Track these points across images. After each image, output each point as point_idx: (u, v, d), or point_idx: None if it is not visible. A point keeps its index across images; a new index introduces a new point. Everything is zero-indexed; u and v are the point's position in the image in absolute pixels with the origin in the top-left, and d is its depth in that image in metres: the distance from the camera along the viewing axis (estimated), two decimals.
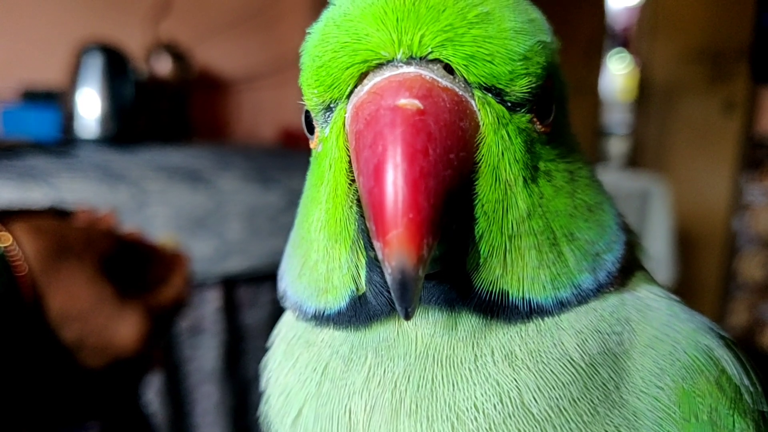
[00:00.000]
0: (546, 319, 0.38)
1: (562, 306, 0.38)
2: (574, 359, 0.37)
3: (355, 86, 0.36)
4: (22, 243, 0.64)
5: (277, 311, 0.57)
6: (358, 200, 0.36)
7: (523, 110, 0.37)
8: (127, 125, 2.13)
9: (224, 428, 1.54)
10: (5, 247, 0.63)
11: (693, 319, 0.41)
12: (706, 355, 0.38)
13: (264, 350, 0.49)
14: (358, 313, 0.38)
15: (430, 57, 0.34)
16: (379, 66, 0.35)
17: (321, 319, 0.41)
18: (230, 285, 1.59)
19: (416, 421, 0.36)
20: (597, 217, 0.42)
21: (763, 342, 3.64)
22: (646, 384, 0.37)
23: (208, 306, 1.54)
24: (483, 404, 0.36)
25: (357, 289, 0.38)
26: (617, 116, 4.74)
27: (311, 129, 0.41)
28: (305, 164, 0.45)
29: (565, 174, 0.40)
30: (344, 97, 0.36)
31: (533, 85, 0.36)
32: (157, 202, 1.48)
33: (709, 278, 3.86)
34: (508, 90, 0.36)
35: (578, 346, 0.37)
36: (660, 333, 0.39)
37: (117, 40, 2.14)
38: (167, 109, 2.40)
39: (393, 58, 0.34)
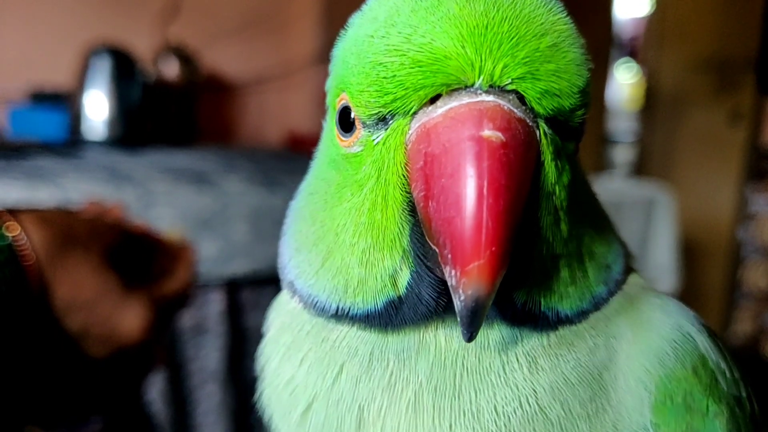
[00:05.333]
0: (565, 327, 0.40)
1: (582, 315, 0.40)
2: (585, 364, 0.39)
3: (423, 105, 0.35)
4: (29, 233, 0.65)
5: None
6: (411, 213, 0.36)
7: (573, 138, 0.38)
8: (134, 127, 2.14)
9: (226, 428, 1.54)
10: (13, 236, 0.63)
11: (679, 310, 0.44)
12: (686, 342, 0.40)
13: None
14: (391, 317, 0.39)
15: (508, 87, 0.34)
16: (454, 90, 0.34)
17: (343, 317, 0.41)
18: (234, 287, 1.59)
19: (438, 424, 0.38)
20: (605, 232, 0.45)
21: (767, 350, 3.63)
22: (633, 373, 0.39)
23: (212, 307, 1.55)
24: (504, 408, 0.37)
25: (394, 294, 0.38)
26: (624, 124, 4.73)
27: (347, 127, 0.40)
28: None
29: (586, 194, 0.43)
30: (409, 113, 0.36)
31: (585, 115, 0.38)
32: (163, 203, 1.49)
33: (714, 287, 3.85)
34: (569, 122, 0.37)
35: (589, 351, 0.39)
36: (648, 327, 0.41)
37: (125, 43, 2.15)
38: (174, 111, 2.41)
39: (472, 84, 0.34)
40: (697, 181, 3.84)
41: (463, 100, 0.34)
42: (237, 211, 1.57)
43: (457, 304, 0.32)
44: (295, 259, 0.46)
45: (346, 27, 0.42)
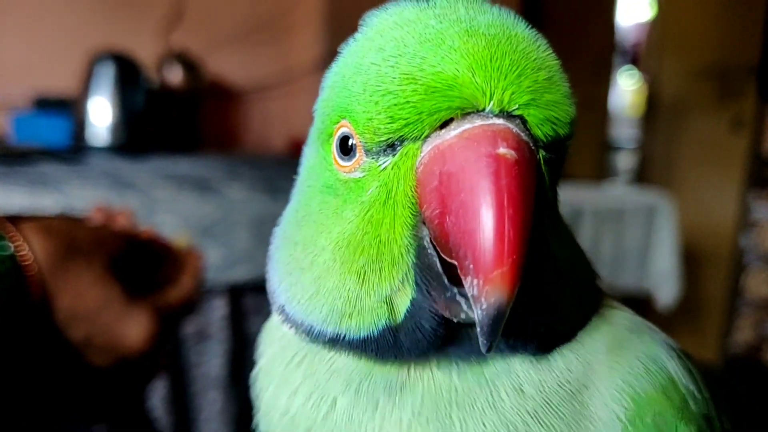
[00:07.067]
0: (552, 351, 0.41)
1: (571, 335, 0.42)
2: (566, 385, 0.40)
3: (434, 129, 0.37)
4: (31, 243, 0.64)
5: None
6: (416, 233, 0.38)
7: (559, 166, 0.41)
8: (137, 134, 2.14)
9: None
10: (15, 246, 0.63)
11: (649, 333, 0.45)
12: (656, 365, 0.42)
13: None
14: (387, 346, 0.40)
15: (515, 113, 0.36)
16: (466, 114, 0.36)
17: (337, 342, 0.42)
18: (236, 293, 1.60)
19: None
20: (580, 251, 0.47)
21: None
22: (609, 397, 0.40)
23: (215, 313, 1.55)
24: None
25: (392, 320, 0.39)
26: (625, 131, 4.74)
27: (345, 152, 0.41)
28: None
29: (560, 216, 0.45)
30: (421, 137, 0.37)
31: (570, 147, 0.40)
32: (166, 210, 1.49)
33: (716, 295, 3.84)
34: (563, 150, 0.40)
35: (569, 372, 0.41)
36: (621, 349, 0.43)
37: (129, 50, 2.16)
38: (177, 118, 2.41)
39: (483, 108, 0.36)
40: (698, 188, 3.84)
41: (476, 122, 0.36)
42: (240, 218, 1.58)
43: (478, 314, 0.33)
44: (286, 282, 0.46)
45: (339, 55, 0.43)
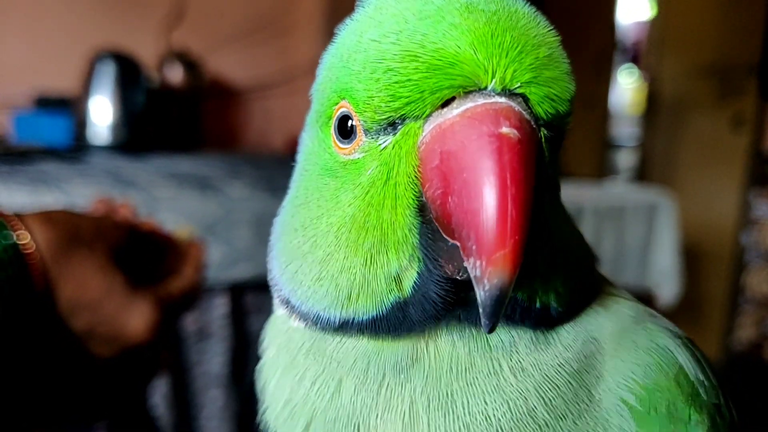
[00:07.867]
0: (550, 330, 0.41)
1: (566, 313, 0.41)
2: (567, 365, 0.40)
3: (436, 108, 0.36)
4: (34, 232, 0.64)
5: None
6: (420, 212, 0.37)
7: (559, 144, 0.41)
8: (138, 132, 2.15)
9: None
10: (18, 235, 0.63)
11: (653, 321, 0.45)
12: (664, 355, 0.42)
13: None
14: (397, 320, 0.39)
15: (517, 91, 0.36)
16: (468, 92, 0.36)
17: (346, 327, 0.41)
18: (238, 291, 1.60)
19: None
20: (578, 233, 0.47)
21: None
22: (616, 385, 0.40)
23: (216, 311, 1.55)
24: (494, 413, 0.38)
25: (400, 296, 0.39)
26: (626, 129, 4.74)
27: (345, 135, 0.41)
28: None
29: (560, 194, 0.44)
30: (422, 116, 0.37)
31: (570, 123, 0.40)
32: (167, 208, 1.50)
33: (717, 293, 3.84)
34: (563, 127, 0.39)
35: (570, 352, 0.41)
36: (626, 338, 0.43)
37: (130, 49, 2.16)
38: (178, 117, 2.42)
39: (485, 87, 0.35)
40: (699, 186, 3.84)
41: (478, 101, 0.35)
42: (241, 217, 1.58)
43: (481, 294, 0.33)
44: (288, 270, 0.45)
45: (336, 35, 0.43)
